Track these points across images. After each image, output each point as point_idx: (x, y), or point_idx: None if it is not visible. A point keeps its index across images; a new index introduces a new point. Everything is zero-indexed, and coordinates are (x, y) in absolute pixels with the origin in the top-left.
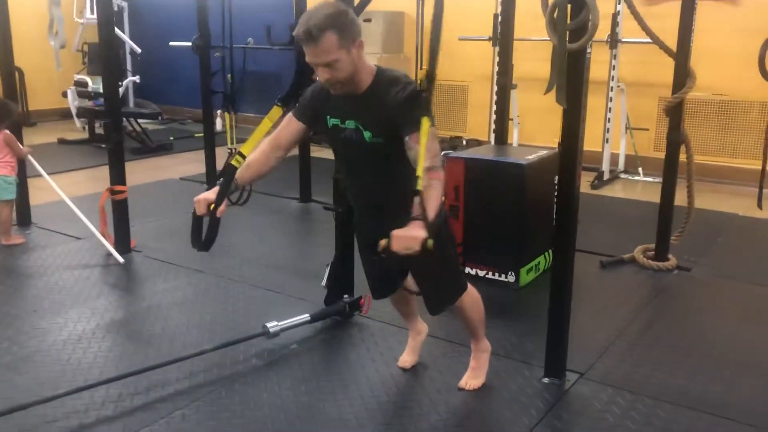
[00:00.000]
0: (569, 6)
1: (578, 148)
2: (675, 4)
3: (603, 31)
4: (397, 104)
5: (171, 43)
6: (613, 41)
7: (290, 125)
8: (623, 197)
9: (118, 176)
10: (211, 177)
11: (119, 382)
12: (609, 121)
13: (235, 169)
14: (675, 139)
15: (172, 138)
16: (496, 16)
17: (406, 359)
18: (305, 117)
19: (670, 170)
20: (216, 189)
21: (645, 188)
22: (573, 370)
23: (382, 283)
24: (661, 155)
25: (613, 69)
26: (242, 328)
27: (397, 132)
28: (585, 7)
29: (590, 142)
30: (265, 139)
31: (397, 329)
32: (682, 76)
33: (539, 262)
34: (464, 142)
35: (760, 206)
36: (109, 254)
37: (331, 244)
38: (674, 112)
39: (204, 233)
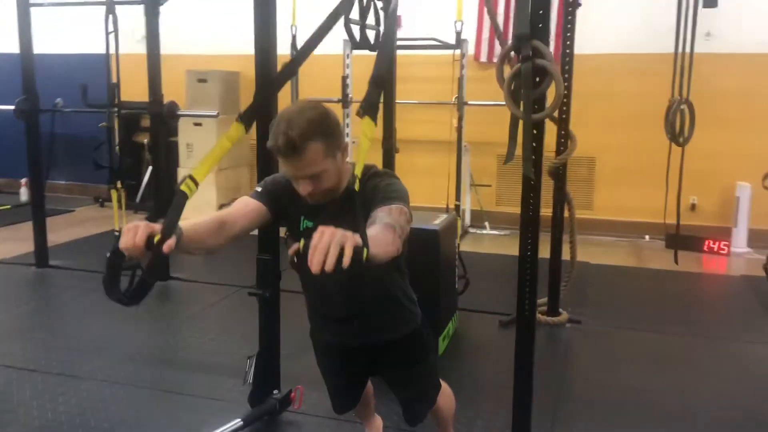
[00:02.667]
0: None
1: (538, 216)
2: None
3: (451, 94)
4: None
5: None
6: (460, 103)
7: (249, 208)
8: (483, 252)
9: None
10: (41, 257)
11: None
12: (459, 179)
13: (187, 197)
14: (560, 198)
15: None
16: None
17: None
18: (272, 206)
19: (557, 228)
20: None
21: (493, 241)
22: None
23: (347, 395)
24: (504, 209)
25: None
26: None
27: None
28: (548, 76)
29: (439, 199)
30: (213, 215)
31: (336, 422)
32: (564, 139)
33: (449, 329)
34: None
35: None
36: None
37: (233, 333)
38: (558, 173)
39: (134, 278)
